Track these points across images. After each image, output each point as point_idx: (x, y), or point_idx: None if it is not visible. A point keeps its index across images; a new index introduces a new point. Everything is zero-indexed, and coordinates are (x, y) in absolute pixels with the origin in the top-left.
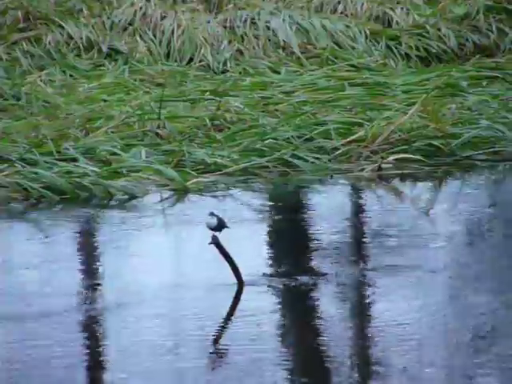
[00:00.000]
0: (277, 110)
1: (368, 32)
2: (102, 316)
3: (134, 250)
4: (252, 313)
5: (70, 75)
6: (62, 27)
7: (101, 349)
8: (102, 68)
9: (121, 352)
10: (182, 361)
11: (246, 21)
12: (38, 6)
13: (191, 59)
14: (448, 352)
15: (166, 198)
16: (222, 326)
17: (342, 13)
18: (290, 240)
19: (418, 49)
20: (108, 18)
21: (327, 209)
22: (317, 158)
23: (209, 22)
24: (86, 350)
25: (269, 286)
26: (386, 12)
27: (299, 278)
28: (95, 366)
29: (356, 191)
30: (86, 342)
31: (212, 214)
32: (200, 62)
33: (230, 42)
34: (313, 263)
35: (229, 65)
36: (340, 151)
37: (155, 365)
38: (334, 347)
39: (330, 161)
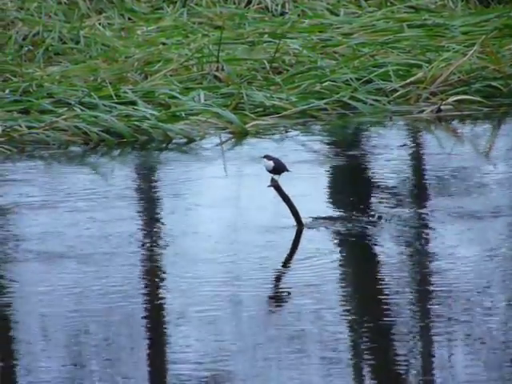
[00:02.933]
0: (335, 52)
1: None
2: (161, 256)
3: (193, 193)
4: (311, 255)
5: (129, 18)
6: None
7: (161, 289)
8: (160, 11)
9: (179, 290)
10: (241, 302)
11: None
12: None
13: (249, 1)
14: (505, 295)
15: (225, 141)
16: (282, 268)
17: None
18: (349, 182)
19: None
20: None
21: (387, 151)
22: (376, 100)
23: None
24: (143, 287)
25: (328, 229)
26: None
27: (359, 220)
28: (154, 307)
29: (415, 133)
30: (143, 279)
31: (266, 156)
32: (258, 4)
33: None
34: (372, 206)
35: (287, 7)
36: (399, 93)
37: (214, 306)
38: (393, 288)
39: (389, 103)
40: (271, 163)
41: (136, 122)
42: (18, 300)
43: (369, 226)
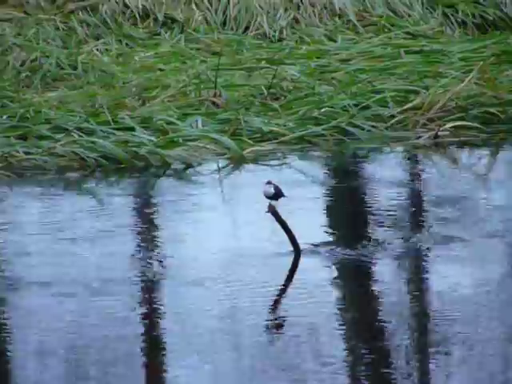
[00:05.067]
0: (333, 78)
1: None
2: (159, 283)
3: (190, 218)
4: (309, 281)
5: (126, 44)
6: None
7: (156, 315)
8: (157, 37)
9: (176, 319)
10: (238, 328)
11: None
12: None
13: (247, 27)
14: (504, 319)
15: (223, 167)
16: (279, 294)
17: None
18: (347, 208)
19: (474, 16)
20: None
21: (384, 177)
22: (373, 126)
23: None
24: (141, 316)
25: (325, 255)
26: None
27: (356, 246)
28: (149, 334)
29: (413, 159)
30: (142, 309)
31: (269, 182)
32: (256, 30)
33: (286, 9)
34: (370, 232)
35: (285, 33)
36: (397, 119)
37: (211, 333)
38: (391, 315)
39: (386, 129)
40: (272, 189)
41: (134, 148)
42: (14, 330)
43: (366, 253)
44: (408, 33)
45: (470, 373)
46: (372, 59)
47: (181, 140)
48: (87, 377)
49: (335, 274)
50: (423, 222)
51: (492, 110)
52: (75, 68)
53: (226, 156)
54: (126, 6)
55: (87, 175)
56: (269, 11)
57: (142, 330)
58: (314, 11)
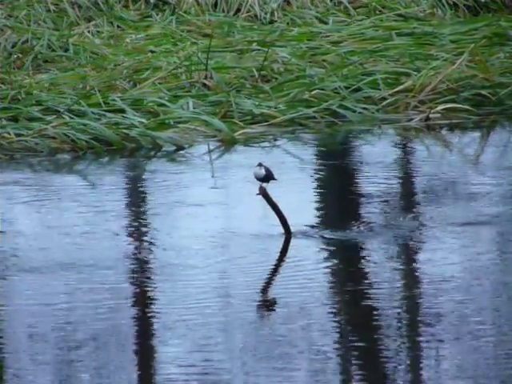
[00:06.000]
0: (324, 61)
1: None
2: (151, 264)
3: (181, 200)
4: (299, 263)
5: (118, 26)
6: None
7: (148, 295)
8: (149, 19)
9: (169, 299)
10: (229, 309)
11: None
12: None
13: (238, 9)
14: (494, 303)
15: (214, 149)
16: (270, 277)
17: None
18: (338, 191)
19: None
20: None
21: (375, 159)
22: (364, 109)
23: None
24: (133, 297)
25: (316, 237)
26: None
27: (346, 228)
28: (142, 314)
29: (404, 141)
30: (133, 290)
31: (260, 164)
32: (247, 12)
33: None
34: (360, 214)
35: (276, 15)
36: (388, 101)
37: (202, 313)
38: (381, 295)
39: (377, 111)
40: (263, 171)
41: (125, 130)
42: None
43: (357, 235)
44: (399, 15)
45: (462, 362)
46: (363, 41)
47: (171, 122)
48: (74, 354)
49: (326, 256)
50: (415, 203)
51: (483, 92)
52: (66, 50)
53: (216, 138)
54: None
55: (78, 157)
56: None
57: (132, 309)
58: None
